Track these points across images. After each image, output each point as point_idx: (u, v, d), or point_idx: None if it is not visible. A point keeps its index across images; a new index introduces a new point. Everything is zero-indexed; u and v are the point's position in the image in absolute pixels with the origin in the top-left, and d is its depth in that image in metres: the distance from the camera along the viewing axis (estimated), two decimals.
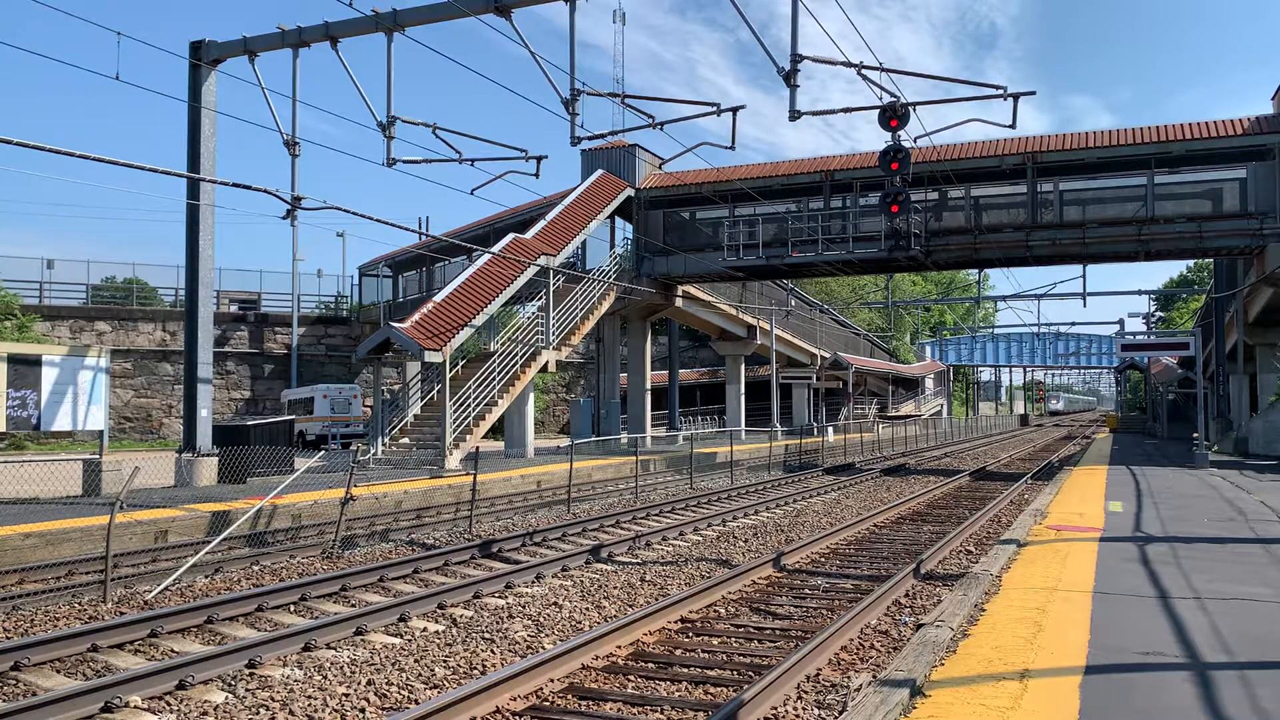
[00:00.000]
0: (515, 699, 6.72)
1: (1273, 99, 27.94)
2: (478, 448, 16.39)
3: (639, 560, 12.93)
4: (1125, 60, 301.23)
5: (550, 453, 30.21)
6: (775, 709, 6.53)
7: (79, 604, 10.08)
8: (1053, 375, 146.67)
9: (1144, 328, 52.61)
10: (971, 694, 5.59)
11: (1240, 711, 5.22)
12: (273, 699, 6.91)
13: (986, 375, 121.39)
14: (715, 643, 8.49)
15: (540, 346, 27.79)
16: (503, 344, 27.93)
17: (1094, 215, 27.84)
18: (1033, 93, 18.64)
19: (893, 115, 15.94)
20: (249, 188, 12.19)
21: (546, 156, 21.67)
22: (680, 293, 35.53)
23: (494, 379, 26.19)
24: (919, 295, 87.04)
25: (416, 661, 7.89)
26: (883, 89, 16.79)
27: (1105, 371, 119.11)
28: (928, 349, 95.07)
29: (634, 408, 37.24)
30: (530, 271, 26.92)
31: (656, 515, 17.76)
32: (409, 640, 8.61)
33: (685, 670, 7.57)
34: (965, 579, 9.41)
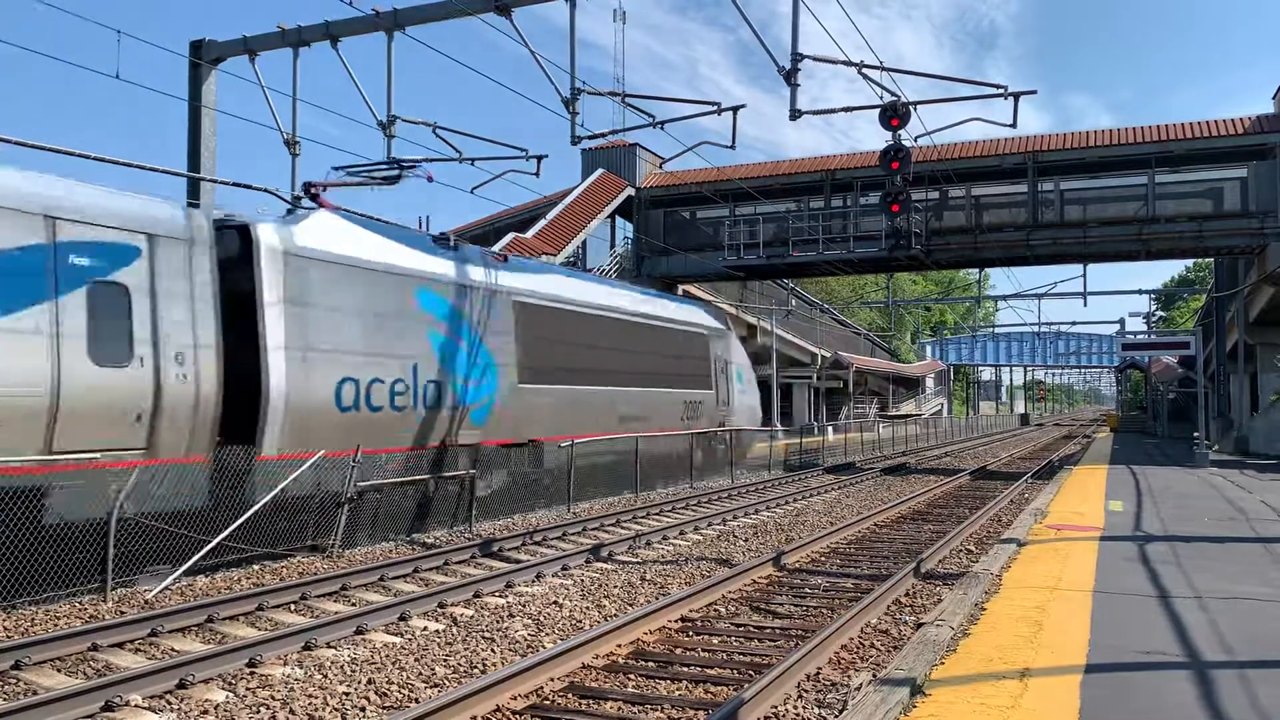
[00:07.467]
0: (516, 698, 6.73)
1: (1273, 98, 27.95)
2: (478, 445, 16.38)
3: (639, 559, 12.94)
4: (1125, 60, 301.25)
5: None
6: (775, 708, 6.53)
7: (79, 603, 10.07)
8: (1052, 375, 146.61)
9: (1145, 327, 52.51)
10: (972, 693, 5.60)
11: (1240, 711, 5.22)
12: (273, 698, 6.91)
13: (987, 375, 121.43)
14: (716, 642, 8.49)
15: None
16: None
17: (1095, 215, 27.81)
18: (1033, 92, 18.60)
19: (893, 114, 15.92)
20: (249, 187, 12.23)
21: (547, 155, 21.57)
22: (681, 292, 35.49)
23: None
24: (919, 295, 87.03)
25: (417, 660, 7.89)
26: (883, 88, 16.76)
27: (1106, 371, 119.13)
28: (928, 348, 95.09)
29: None
30: None
31: (657, 514, 17.77)
32: (409, 639, 8.61)
33: (685, 669, 7.57)
34: (965, 578, 9.42)
